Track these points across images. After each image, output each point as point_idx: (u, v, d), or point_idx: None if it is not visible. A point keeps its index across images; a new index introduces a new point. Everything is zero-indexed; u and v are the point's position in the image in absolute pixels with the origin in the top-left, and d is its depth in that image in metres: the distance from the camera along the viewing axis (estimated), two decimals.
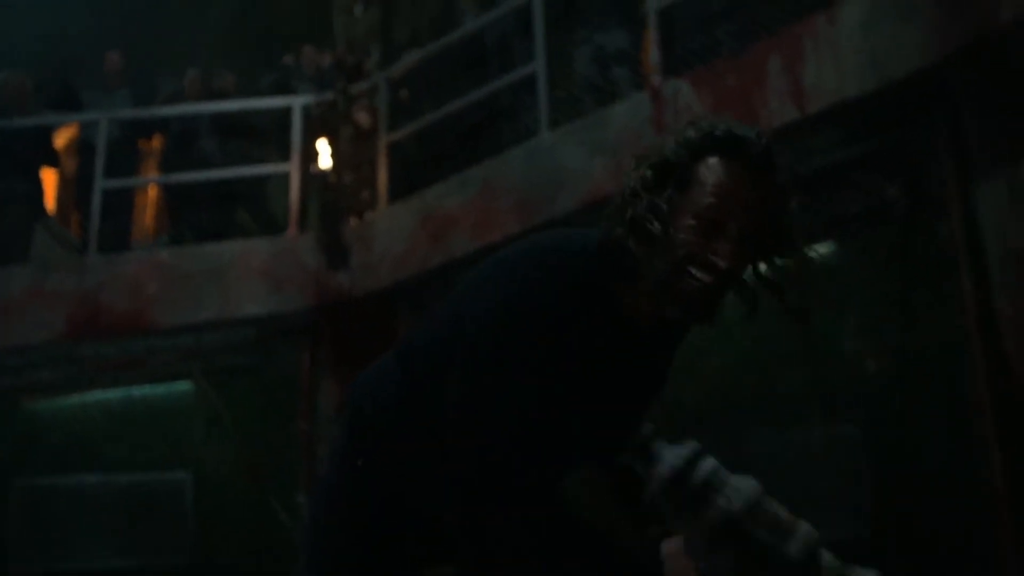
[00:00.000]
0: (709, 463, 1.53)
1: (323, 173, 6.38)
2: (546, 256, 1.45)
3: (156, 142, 6.80)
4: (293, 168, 6.25)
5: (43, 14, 7.94)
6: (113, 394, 6.74)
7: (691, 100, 5.05)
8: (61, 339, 5.87)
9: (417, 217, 5.98)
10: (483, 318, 1.40)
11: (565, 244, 1.47)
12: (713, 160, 1.42)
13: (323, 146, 6.40)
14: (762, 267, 1.51)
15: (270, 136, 6.72)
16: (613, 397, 1.52)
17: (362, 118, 6.44)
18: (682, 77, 5.15)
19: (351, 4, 6.82)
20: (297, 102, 6.39)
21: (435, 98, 6.44)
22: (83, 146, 6.65)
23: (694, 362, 5.72)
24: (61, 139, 7.07)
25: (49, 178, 6.83)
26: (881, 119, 4.80)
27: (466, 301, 1.47)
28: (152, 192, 6.95)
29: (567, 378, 1.42)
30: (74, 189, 6.64)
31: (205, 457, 6.61)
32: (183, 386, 6.72)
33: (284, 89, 6.88)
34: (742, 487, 1.50)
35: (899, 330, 5.19)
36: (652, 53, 5.30)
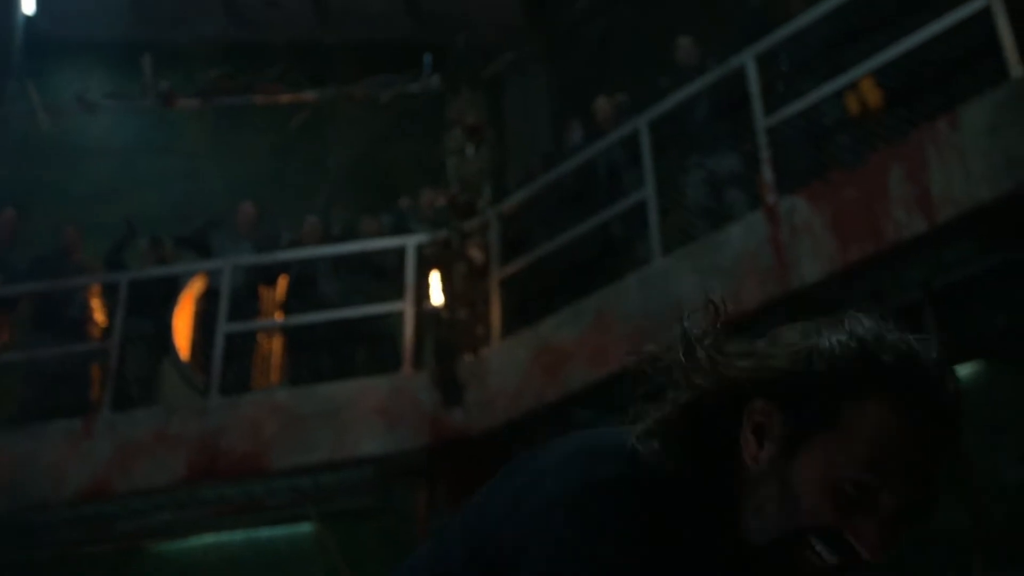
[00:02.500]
0: None
1: (437, 310, 6.39)
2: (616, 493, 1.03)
3: (278, 288, 7.01)
4: (407, 306, 6.30)
5: (185, 178, 8.52)
6: (235, 536, 6.74)
7: (808, 216, 4.84)
8: (183, 482, 5.94)
9: (531, 352, 5.87)
10: None
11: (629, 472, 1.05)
12: (877, 405, 0.99)
13: (436, 282, 6.44)
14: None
15: (389, 277, 6.83)
16: None
17: (475, 254, 6.47)
18: (798, 193, 4.95)
19: (463, 145, 6.99)
20: (411, 241, 6.50)
21: (548, 232, 6.44)
22: (211, 294, 6.91)
23: None
24: (193, 288, 7.41)
25: (180, 325, 7.11)
26: (1019, 224, 4.45)
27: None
28: (275, 337, 7.13)
29: None
30: (201, 334, 6.88)
31: None
32: (303, 528, 6.66)
33: (401, 231, 7.03)
34: None
35: None
36: (764, 171, 5.15)
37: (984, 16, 4.55)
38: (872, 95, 5.54)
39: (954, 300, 4.80)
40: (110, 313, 6.65)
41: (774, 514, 1.00)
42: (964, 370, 4.87)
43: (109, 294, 6.75)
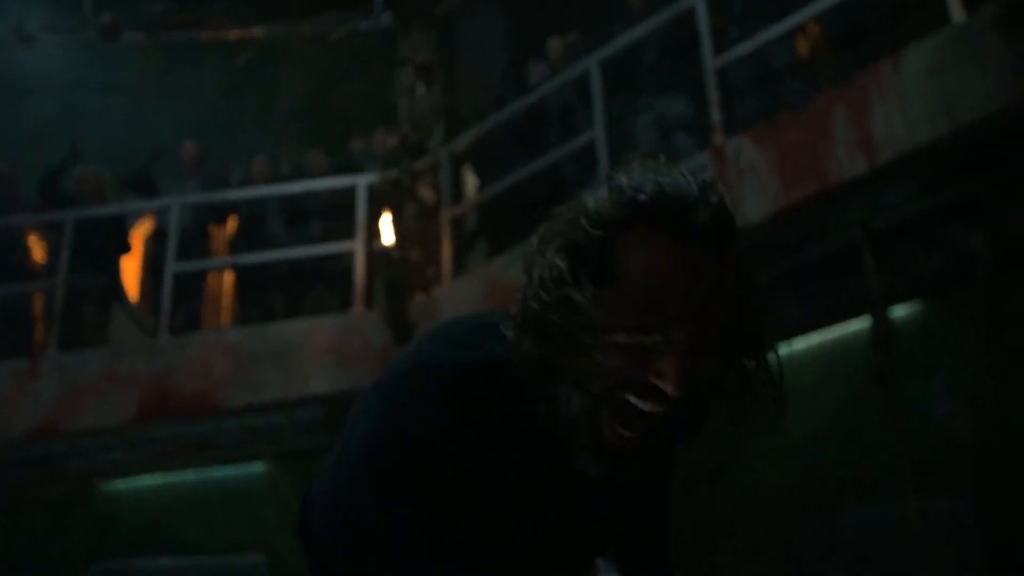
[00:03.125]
0: None
1: (388, 249, 6.40)
2: (429, 385, 1.03)
3: (228, 228, 6.95)
4: (358, 246, 6.29)
5: (128, 113, 8.33)
6: (187, 476, 6.76)
7: (754, 157, 4.91)
8: (133, 421, 5.93)
9: (482, 289, 5.91)
10: (359, 487, 1.03)
11: (456, 360, 1.05)
12: (641, 237, 0.99)
13: (387, 223, 6.44)
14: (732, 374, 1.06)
15: (337, 217, 6.80)
16: (560, 532, 1.13)
17: (426, 194, 6.47)
18: (743, 135, 5.02)
19: (413, 85, 6.94)
20: (361, 181, 6.47)
21: (498, 172, 6.45)
22: (159, 234, 6.84)
23: (768, 434, 5.43)
24: (142, 229, 7.31)
25: (128, 266, 7.03)
26: (959, 168, 4.57)
27: (344, 458, 1.08)
28: (225, 277, 7.08)
29: (490, 526, 1.03)
30: (150, 276, 6.81)
31: (280, 540, 6.53)
32: (257, 468, 6.70)
33: (352, 171, 6.99)
34: None
35: (994, 393, 4.84)
36: (713, 113, 5.20)
37: None
38: (818, 40, 5.61)
39: (894, 241, 4.93)
40: (52, 251, 6.54)
41: (582, 380, 0.99)
42: (901, 310, 5.03)
43: (50, 231, 6.63)
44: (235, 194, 6.76)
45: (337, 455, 1.12)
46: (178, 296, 6.31)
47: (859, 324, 5.05)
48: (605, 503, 1.17)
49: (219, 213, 6.86)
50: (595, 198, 1.03)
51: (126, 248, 6.62)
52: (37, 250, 6.61)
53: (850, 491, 5.02)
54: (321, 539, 1.12)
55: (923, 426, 4.87)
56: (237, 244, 6.83)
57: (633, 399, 0.98)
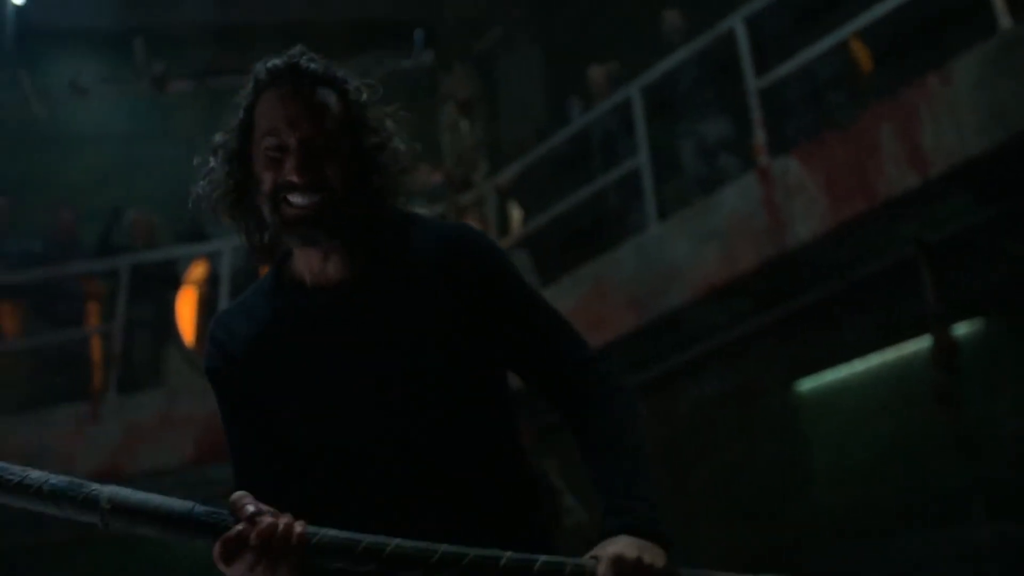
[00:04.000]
0: None
1: None
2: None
3: None
4: None
5: (179, 160, 8.50)
6: None
7: (801, 176, 4.84)
8: (190, 463, 5.99)
9: None
10: None
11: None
12: (256, 97, 1.42)
13: None
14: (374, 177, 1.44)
15: None
16: (353, 368, 1.40)
17: None
18: (790, 154, 4.95)
19: (457, 120, 6.99)
20: None
21: (542, 203, 6.45)
22: (213, 278, 6.94)
23: (832, 458, 5.29)
24: (195, 273, 7.43)
25: (184, 309, 7.14)
26: (1012, 177, 4.44)
27: None
28: None
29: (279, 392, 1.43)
30: (205, 319, 6.90)
31: None
32: None
33: None
34: None
35: None
36: (757, 133, 5.15)
37: None
38: (862, 57, 5.53)
39: (950, 256, 4.80)
40: (109, 297, 6.68)
41: (257, 201, 1.41)
42: (962, 327, 4.87)
43: (106, 279, 6.77)
44: None
45: None
46: None
47: (919, 343, 4.92)
48: (378, 325, 1.42)
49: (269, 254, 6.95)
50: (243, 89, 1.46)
51: (176, 287, 6.75)
52: (95, 300, 6.76)
53: (916, 516, 4.86)
54: None
55: (991, 447, 4.70)
56: None
57: (290, 197, 1.36)
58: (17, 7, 7.83)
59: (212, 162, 1.45)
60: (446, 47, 7.46)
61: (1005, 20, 4.35)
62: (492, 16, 8.33)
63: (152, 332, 6.56)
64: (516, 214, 6.99)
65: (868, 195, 4.59)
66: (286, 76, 1.40)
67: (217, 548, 1.20)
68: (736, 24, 5.37)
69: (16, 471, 1.18)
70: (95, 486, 1.19)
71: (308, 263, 1.43)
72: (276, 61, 1.42)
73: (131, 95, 7.79)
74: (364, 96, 1.46)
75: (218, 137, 1.46)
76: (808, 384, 5.38)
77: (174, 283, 6.73)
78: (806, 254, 4.80)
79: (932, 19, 4.95)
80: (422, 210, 6.32)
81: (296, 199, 1.36)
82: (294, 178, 1.35)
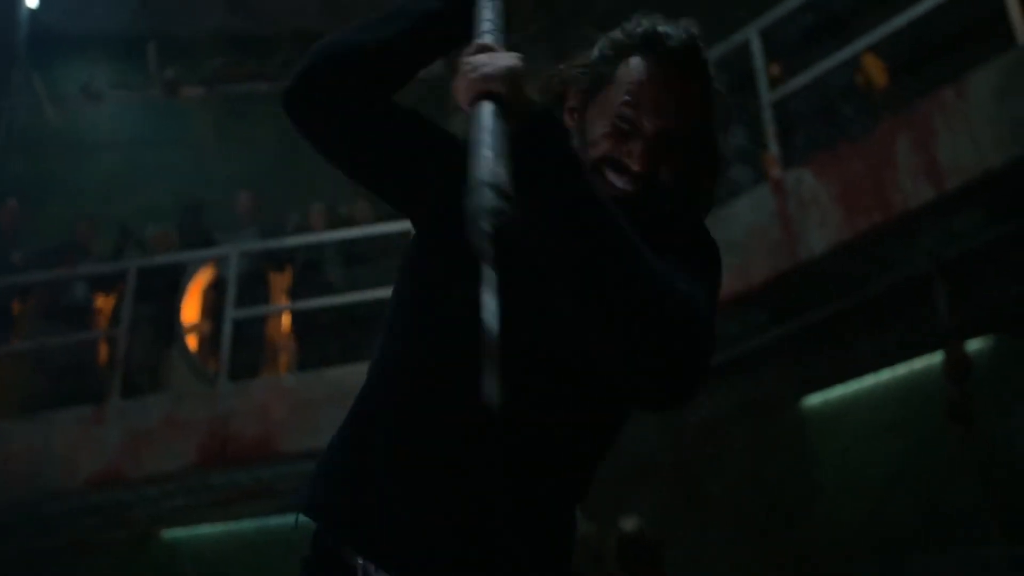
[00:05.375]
0: None
1: None
2: None
3: (285, 275, 7.01)
4: None
5: (190, 166, 8.51)
6: (247, 524, 6.74)
7: (815, 189, 4.80)
8: (193, 467, 5.94)
9: None
10: None
11: None
12: (633, 59, 1.33)
13: None
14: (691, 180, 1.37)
15: (394, 259, 6.81)
16: None
17: None
18: (804, 166, 4.92)
19: (466, 130, 6.96)
20: None
21: None
22: (219, 283, 6.91)
23: (842, 474, 5.23)
24: (201, 280, 7.40)
25: (188, 315, 7.12)
26: None
27: None
28: (283, 323, 7.12)
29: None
30: (210, 324, 6.88)
31: None
32: None
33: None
34: None
35: None
36: (771, 145, 5.11)
37: None
38: (876, 71, 5.50)
39: (965, 271, 4.75)
40: (116, 301, 6.66)
41: (587, 148, 1.30)
42: (976, 343, 4.82)
43: (113, 284, 6.75)
44: (291, 241, 6.82)
45: None
46: (237, 342, 6.34)
47: (932, 359, 4.86)
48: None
49: (277, 260, 6.92)
50: (607, 38, 1.38)
51: (182, 293, 6.72)
52: (102, 302, 6.73)
53: (929, 534, 4.79)
54: None
55: (1005, 465, 4.64)
56: (295, 290, 6.87)
57: (610, 174, 1.28)
58: (31, 11, 7.86)
59: (570, 73, 1.38)
60: (458, 56, 7.44)
61: (1022, 35, 4.32)
62: (507, 26, 8.31)
63: (155, 336, 6.52)
64: None
65: (883, 208, 4.55)
66: (676, 57, 1.31)
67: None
68: (751, 35, 5.35)
69: None
70: None
71: None
72: (669, 31, 1.32)
73: (143, 101, 7.80)
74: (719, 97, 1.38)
75: (589, 59, 1.37)
76: (819, 399, 5.32)
77: (179, 288, 6.71)
78: (820, 267, 4.76)
79: (949, 33, 4.92)
80: None
81: (617, 181, 1.27)
82: (635, 166, 1.27)
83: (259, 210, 7.20)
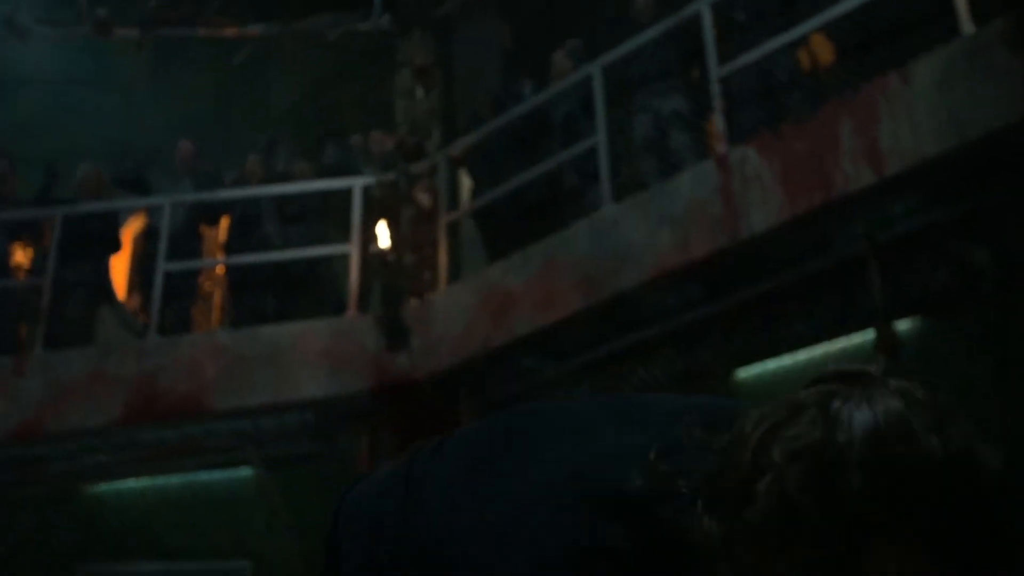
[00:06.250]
0: None
1: (383, 253, 6.31)
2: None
3: (221, 228, 6.85)
4: (353, 249, 6.20)
5: (121, 113, 8.21)
6: (173, 480, 6.65)
7: (759, 167, 4.85)
8: (120, 422, 5.81)
9: (478, 296, 5.83)
10: None
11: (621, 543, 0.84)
12: (894, 541, 0.71)
13: (383, 227, 6.35)
14: None
15: (332, 218, 6.70)
16: None
17: (423, 198, 6.39)
18: (749, 144, 4.96)
19: (412, 87, 6.86)
20: (358, 183, 6.38)
21: (495, 176, 6.37)
22: (150, 233, 6.72)
23: None
24: (133, 227, 7.19)
25: (117, 265, 6.91)
26: (965, 181, 4.52)
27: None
28: (217, 277, 6.97)
29: None
30: (140, 275, 6.70)
31: (265, 546, 6.43)
32: (244, 472, 6.59)
33: (347, 169, 6.90)
34: None
35: (999, 411, 4.78)
36: (717, 121, 5.14)
37: None
38: (823, 51, 5.56)
39: (899, 254, 4.87)
40: (42, 251, 6.41)
41: None
42: (905, 324, 4.96)
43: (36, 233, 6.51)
44: (228, 193, 6.65)
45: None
46: (168, 296, 6.19)
47: (863, 337, 4.99)
48: None
49: (212, 213, 6.75)
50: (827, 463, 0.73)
51: (116, 246, 6.50)
52: (21, 254, 6.48)
53: None
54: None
55: None
56: (230, 245, 6.72)
57: None
58: None
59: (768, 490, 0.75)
60: (405, 12, 7.30)
61: (968, 25, 4.40)
62: None
63: (85, 288, 6.31)
64: (467, 186, 6.91)
65: (824, 189, 4.62)
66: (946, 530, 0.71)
67: None
68: (703, 7, 5.35)
69: None
70: None
71: None
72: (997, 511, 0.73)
73: (71, 39, 7.47)
74: None
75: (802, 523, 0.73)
76: (753, 371, 5.43)
77: (112, 238, 6.49)
78: (759, 244, 4.82)
79: (897, 19, 4.99)
80: (372, 175, 6.16)
81: None
82: None
83: (198, 159, 6.99)
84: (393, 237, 6.31)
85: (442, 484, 0.99)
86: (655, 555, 0.81)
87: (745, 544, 0.75)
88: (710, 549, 0.76)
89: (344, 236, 6.32)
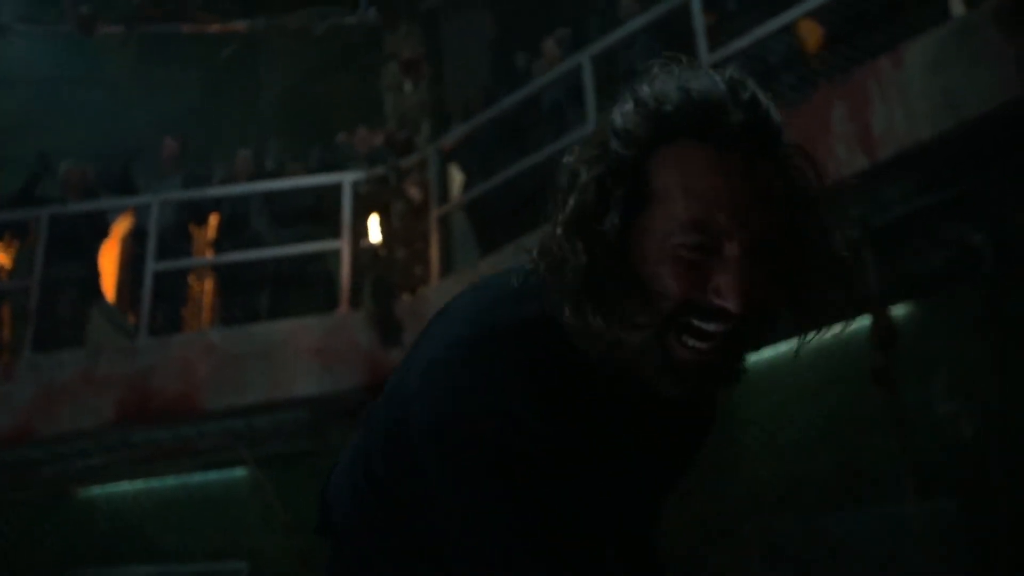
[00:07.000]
0: None
1: (374, 248, 6.25)
2: (492, 347, 0.94)
3: (210, 226, 6.78)
4: (344, 245, 6.14)
5: (105, 107, 8.13)
6: (167, 482, 6.60)
7: None
8: (111, 424, 5.75)
9: None
10: (450, 456, 0.92)
11: (509, 321, 0.96)
12: (672, 150, 0.91)
13: (374, 222, 6.30)
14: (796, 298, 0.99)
15: (322, 215, 6.64)
16: (627, 474, 1.06)
17: (413, 192, 6.34)
18: None
19: (400, 80, 6.80)
20: (347, 178, 6.32)
21: (486, 169, 6.32)
22: (139, 232, 6.65)
23: (767, 435, 5.35)
24: (121, 227, 7.11)
25: (107, 264, 6.84)
26: (960, 164, 4.49)
27: (417, 403, 0.97)
28: (207, 277, 6.91)
29: (567, 480, 0.94)
30: (130, 275, 6.63)
31: (261, 546, 6.39)
32: (238, 473, 6.55)
33: (336, 168, 6.84)
34: None
35: (996, 392, 4.77)
36: None
37: None
38: (813, 36, 5.53)
39: (893, 238, 4.85)
40: (28, 251, 6.34)
41: (640, 311, 0.90)
42: (901, 309, 4.95)
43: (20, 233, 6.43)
44: (217, 191, 6.59)
45: (378, 439, 1.06)
46: (158, 296, 6.13)
47: (858, 323, 4.97)
48: (660, 449, 1.09)
49: (201, 211, 6.68)
50: (621, 115, 0.94)
51: (102, 244, 6.44)
52: (2, 255, 6.40)
53: (849, 492, 4.94)
54: (359, 534, 1.10)
55: (924, 426, 4.80)
56: (219, 243, 6.66)
57: (697, 322, 0.90)
58: None
59: (581, 196, 0.93)
60: (392, 5, 7.24)
61: (958, 7, 4.37)
62: None
63: (75, 289, 6.24)
64: (458, 179, 6.85)
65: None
66: (737, 133, 0.90)
67: None
68: None
69: None
70: None
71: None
72: (718, 96, 0.91)
73: (55, 37, 7.39)
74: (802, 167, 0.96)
75: (569, 171, 0.95)
76: (747, 361, 5.42)
77: (100, 237, 6.42)
78: None
79: (888, 2, 4.96)
80: (361, 171, 6.11)
81: (708, 326, 0.90)
82: (730, 303, 0.89)
83: (185, 157, 6.92)
84: (384, 232, 6.26)
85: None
86: (545, 325, 0.95)
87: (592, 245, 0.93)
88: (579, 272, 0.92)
89: (335, 234, 6.27)
